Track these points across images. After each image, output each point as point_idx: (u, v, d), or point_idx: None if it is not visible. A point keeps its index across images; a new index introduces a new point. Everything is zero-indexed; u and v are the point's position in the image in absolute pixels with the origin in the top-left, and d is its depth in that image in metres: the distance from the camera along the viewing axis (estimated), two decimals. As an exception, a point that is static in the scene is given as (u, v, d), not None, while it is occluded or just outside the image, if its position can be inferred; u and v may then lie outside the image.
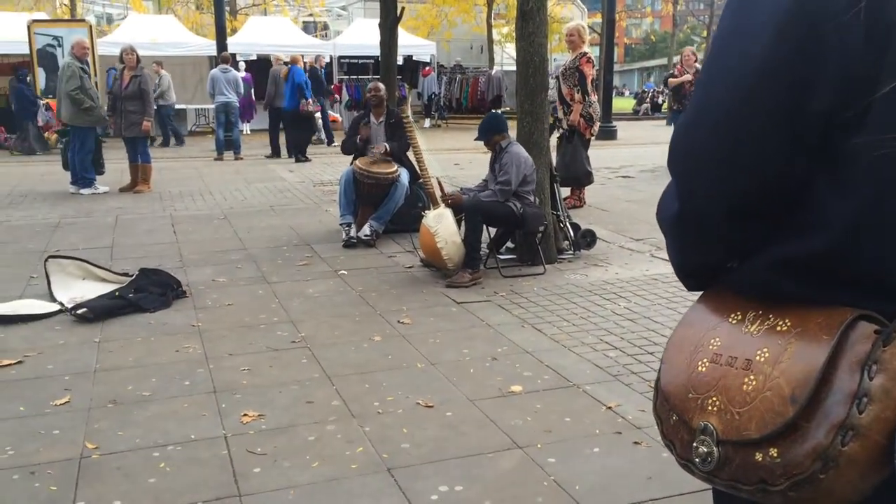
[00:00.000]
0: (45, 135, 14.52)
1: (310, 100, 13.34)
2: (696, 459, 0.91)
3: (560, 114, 8.32)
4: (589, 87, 8.07)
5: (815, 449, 0.80)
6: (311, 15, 28.09)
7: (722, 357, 0.92)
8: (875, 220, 0.83)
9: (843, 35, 0.80)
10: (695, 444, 0.91)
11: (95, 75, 11.62)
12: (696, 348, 0.96)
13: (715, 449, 0.89)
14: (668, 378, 0.99)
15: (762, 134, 0.87)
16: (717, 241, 0.98)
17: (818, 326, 0.85)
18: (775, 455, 0.83)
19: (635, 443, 3.06)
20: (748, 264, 0.94)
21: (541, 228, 5.74)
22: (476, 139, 5.83)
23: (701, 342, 0.96)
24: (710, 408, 0.90)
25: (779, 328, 0.89)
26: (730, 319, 0.95)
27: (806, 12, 0.81)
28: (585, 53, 8.20)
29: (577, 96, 8.04)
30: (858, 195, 0.83)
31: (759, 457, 0.85)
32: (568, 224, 6.34)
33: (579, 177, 8.18)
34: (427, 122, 20.89)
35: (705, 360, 0.94)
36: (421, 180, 6.31)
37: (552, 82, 8.45)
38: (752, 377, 0.87)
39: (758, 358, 0.88)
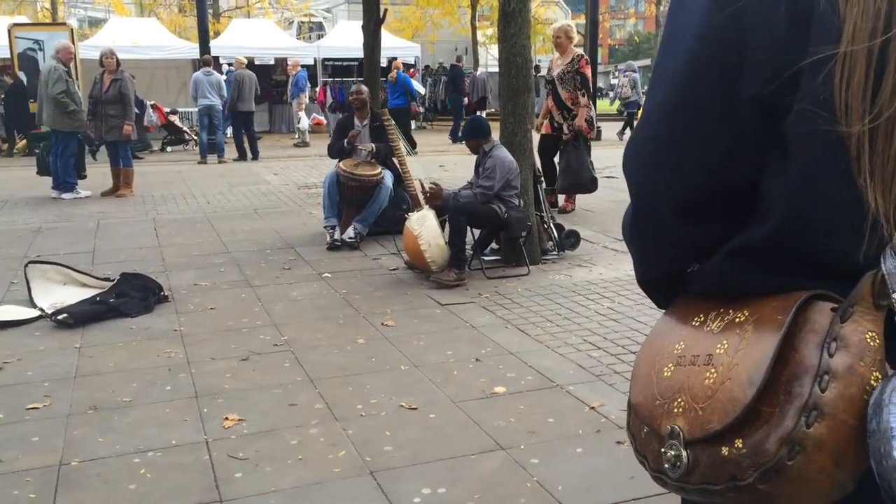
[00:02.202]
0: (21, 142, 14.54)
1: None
2: (666, 465, 0.87)
3: (559, 120, 7.91)
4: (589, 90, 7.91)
5: (778, 433, 0.77)
6: (306, 16, 28.01)
7: (685, 358, 0.90)
8: (811, 201, 0.82)
9: (765, 20, 0.80)
10: (663, 450, 0.88)
11: (77, 79, 11.53)
12: (661, 357, 0.94)
13: (683, 452, 0.85)
14: (636, 391, 0.96)
15: (700, 125, 0.87)
16: (672, 241, 0.97)
17: (774, 310, 0.83)
18: (741, 446, 0.80)
19: (618, 442, 3.06)
20: (707, 262, 0.93)
21: (524, 233, 5.75)
22: (459, 139, 5.87)
23: (665, 350, 0.94)
24: (675, 410, 0.87)
25: (737, 319, 0.87)
26: (692, 323, 0.93)
27: (730, 6, 0.82)
28: (583, 55, 8.03)
29: (583, 100, 7.78)
30: (798, 180, 0.82)
31: (725, 451, 0.81)
32: (552, 225, 6.35)
33: (586, 183, 7.76)
34: (412, 124, 20.87)
35: (670, 365, 0.91)
36: (404, 182, 6.31)
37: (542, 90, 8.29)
38: (712, 370, 0.85)
39: (718, 351, 0.86)
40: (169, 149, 15.98)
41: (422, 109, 15.34)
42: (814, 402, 0.76)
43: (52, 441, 3.11)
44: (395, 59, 15.93)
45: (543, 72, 24.96)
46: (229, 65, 17.13)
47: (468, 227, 5.59)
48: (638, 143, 0.96)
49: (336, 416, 3.34)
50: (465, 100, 19.62)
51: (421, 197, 5.77)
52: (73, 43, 12.75)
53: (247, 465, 2.91)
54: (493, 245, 6.18)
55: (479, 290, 5.27)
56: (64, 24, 17.84)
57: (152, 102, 15.72)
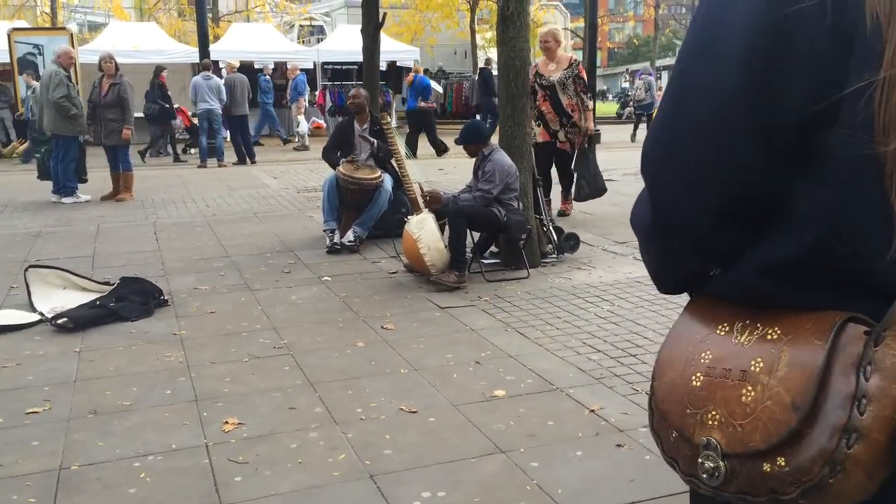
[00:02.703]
0: (13, 145, 14.68)
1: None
2: (703, 475, 0.91)
3: (554, 127, 7.58)
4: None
5: (821, 454, 0.81)
6: (307, 19, 28.03)
7: (715, 370, 0.92)
8: (848, 219, 0.84)
9: (811, 34, 0.81)
10: (700, 460, 0.91)
11: (77, 83, 11.55)
12: (688, 363, 0.96)
13: (721, 463, 0.89)
14: (662, 395, 0.98)
15: (740, 136, 0.88)
16: (695, 250, 0.98)
17: (809, 332, 0.86)
18: (783, 464, 0.84)
19: (618, 445, 3.06)
20: (734, 270, 0.95)
21: (524, 236, 5.75)
22: (457, 142, 5.88)
23: (692, 356, 0.96)
24: (710, 422, 0.90)
25: (769, 336, 0.89)
26: (718, 331, 0.95)
27: (776, 15, 0.83)
28: (579, 60, 7.88)
29: (589, 103, 7.62)
30: (835, 196, 0.84)
31: (766, 467, 0.85)
32: (551, 228, 6.35)
33: (602, 188, 7.58)
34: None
35: (699, 375, 0.93)
36: (403, 186, 6.31)
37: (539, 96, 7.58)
38: (749, 388, 0.88)
39: (752, 368, 0.88)
40: (192, 150, 16.05)
41: (433, 106, 15.56)
42: (853, 425, 0.81)
43: (52, 445, 3.11)
44: (394, 62, 16.11)
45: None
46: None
47: (468, 231, 5.59)
48: (670, 150, 0.94)
49: (336, 419, 3.34)
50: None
51: (420, 200, 5.78)
52: (73, 47, 12.78)
53: (246, 468, 2.92)
54: (493, 248, 6.18)
55: (478, 294, 5.27)
56: (64, 28, 17.87)
57: (177, 106, 15.82)
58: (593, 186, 7.55)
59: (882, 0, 0.79)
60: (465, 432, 3.20)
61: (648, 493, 2.68)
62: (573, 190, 7.82)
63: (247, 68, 16.61)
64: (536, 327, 4.55)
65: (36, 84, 13.64)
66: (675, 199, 0.95)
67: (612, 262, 6.17)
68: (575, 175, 7.74)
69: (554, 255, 6.27)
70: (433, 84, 16.39)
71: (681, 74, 0.93)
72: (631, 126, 19.66)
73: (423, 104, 14.91)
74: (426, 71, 18.89)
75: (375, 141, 6.79)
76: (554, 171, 7.89)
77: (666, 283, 1.06)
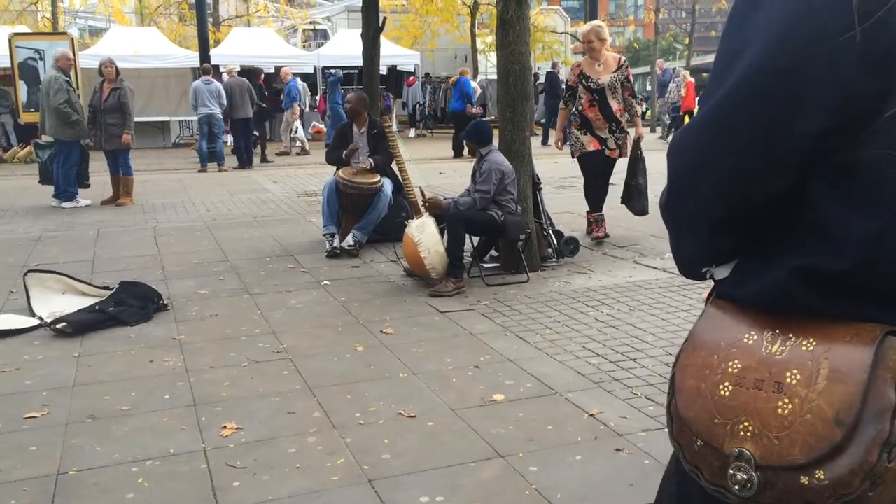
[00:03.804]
0: (13, 150, 14.75)
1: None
2: (735, 486, 0.90)
3: (603, 134, 6.91)
4: None
5: (861, 468, 0.81)
6: (311, 23, 28.03)
7: (746, 380, 0.91)
8: (894, 239, 0.85)
9: (836, 58, 0.82)
10: (731, 471, 0.90)
11: (78, 88, 11.56)
12: (713, 371, 0.95)
13: (754, 474, 0.88)
14: (685, 404, 0.97)
15: (747, 149, 0.89)
16: (705, 243, 1.02)
17: (849, 344, 0.85)
18: (822, 477, 0.83)
19: (617, 450, 3.05)
20: (768, 275, 0.94)
21: (522, 237, 5.75)
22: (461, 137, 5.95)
23: (717, 365, 0.95)
24: (742, 433, 0.89)
25: (804, 347, 0.88)
26: (745, 339, 0.94)
27: (801, 35, 0.84)
28: (627, 61, 7.09)
29: (639, 107, 7.19)
30: (880, 215, 0.84)
31: (804, 480, 0.85)
32: (551, 232, 6.35)
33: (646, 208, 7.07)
34: (412, 132, 20.90)
35: (727, 384, 0.92)
36: (404, 190, 6.31)
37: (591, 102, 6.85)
38: (786, 400, 0.87)
39: (789, 380, 0.87)
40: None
41: (478, 111, 15.87)
42: (894, 440, 0.81)
43: (50, 450, 3.10)
44: (394, 66, 16.12)
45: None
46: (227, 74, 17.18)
47: (467, 235, 5.59)
48: (690, 148, 0.98)
49: (334, 424, 3.33)
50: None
51: (420, 204, 5.78)
52: (74, 52, 12.79)
53: (244, 473, 2.91)
54: (493, 252, 6.17)
55: (478, 298, 5.27)
56: (64, 33, 17.86)
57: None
58: (645, 199, 6.99)
59: None
60: (464, 437, 3.19)
61: (648, 498, 2.66)
62: (631, 202, 7.13)
63: (248, 72, 16.58)
64: (536, 331, 4.54)
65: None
66: (681, 191, 0.99)
67: (611, 267, 6.16)
68: (629, 186, 7.13)
69: (554, 259, 6.27)
70: (473, 84, 16.65)
71: (712, 74, 0.95)
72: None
73: (473, 110, 15.48)
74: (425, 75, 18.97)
75: (372, 162, 6.80)
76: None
77: (681, 267, 1.09)
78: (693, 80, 18.39)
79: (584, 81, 6.88)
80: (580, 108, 6.95)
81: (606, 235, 7.13)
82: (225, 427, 3.29)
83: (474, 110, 15.53)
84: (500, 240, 5.93)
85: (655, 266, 6.06)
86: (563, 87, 7.02)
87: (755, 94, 0.87)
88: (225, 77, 15.13)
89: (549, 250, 6.30)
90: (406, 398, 3.59)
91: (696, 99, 17.76)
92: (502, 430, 3.24)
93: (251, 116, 14.10)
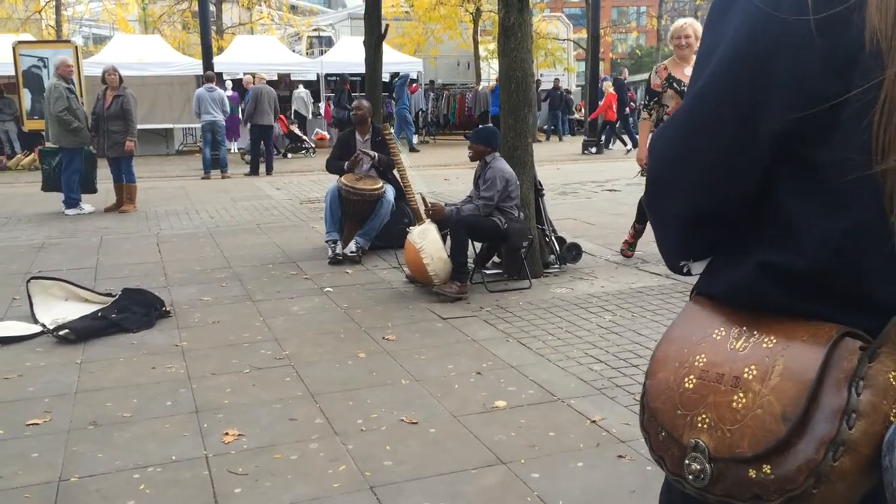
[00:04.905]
0: (17, 157, 14.86)
1: None
2: (689, 476, 0.92)
3: None
4: None
5: (807, 465, 0.82)
6: (315, 30, 28.14)
7: (709, 374, 0.93)
8: (858, 242, 0.85)
9: (799, 58, 0.83)
10: (686, 462, 0.92)
11: (81, 96, 11.59)
12: (681, 364, 0.97)
13: (707, 466, 0.90)
14: (654, 394, 0.99)
15: (715, 151, 0.92)
16: (681, 237, 1.04)
17: (805, 343, 0.86)
18: (768, 471, 0.85)
19: (619, 456, 3.04)
20: (738, 271, 0.96)
21: (525, 243, 5.74)
22: (466, 137, 5.89)
23: (686, 358, 0.97)
24: (699, 425, 0.91)
25: (765, 344, 0.90)
26: (714, 335, 0.96)
27: (766, 34, 0.85)
28: None
29: None
30: (841, 216, 0.85)
31: (752, 473, 0.86)
32: (553, 238, 6.34)
33: None
34: (415, 139, 20.94)
35: (692, 377, 0.94)
36: (406, 196, 6.32)
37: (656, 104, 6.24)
38: (741, 395, 0.88)
39: (746, 375, 0.89)
40: (289, 155, 17.30)
41: None
42: (841, 439, 0.81)
43: (52, 457, 3.10)
44: (396, 73, 16.17)
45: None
46: (231, 81, 17.24)
47: (470, 241, 5.59)
48: (663, 147, 1.01)
49: (336, 430, 3.32)
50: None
51: (423, 210, 5.78)
52: (78, 60, 12.84)
53: (246, 480, 2.90)
54: (495, 258, 6.17)
55: (480, 304, 5.26)
56: (68, 41, 17.94)
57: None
58: None
59: (882, 24, 0.80)
60: (465, 443, 3.19)
61: (650, 505, 2.67)
62: None
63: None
64: (538, 338, 4.54)
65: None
66: (656, 191, 1.03)
67: (614, 273, 6.16)
68: None
69: (556, 266, 6.27)
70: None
71: (692, 102, 0.97)
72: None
73: None
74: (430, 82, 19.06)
75: (376, 154, 6.80)
76: None
77: (665, 261, 1.11)
78: (615, 92, 18.13)
79: (674, 85, 6.08)
80: (667, 112, 6.19)
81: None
82: (227, 434, 3.29)
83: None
84: (503, 246, 5.92)
85: (658, 272, 6.05)
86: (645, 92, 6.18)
87: (723, 94, 0.89)
88: (229, 84, 15.18)
89: (552, 256, 6.30)
90: (408, 405, 3.59)
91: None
92: (504, 437, 3.23)
93: (273, 124, 14.18)
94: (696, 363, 0.95)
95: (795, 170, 0.89)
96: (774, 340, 0.89)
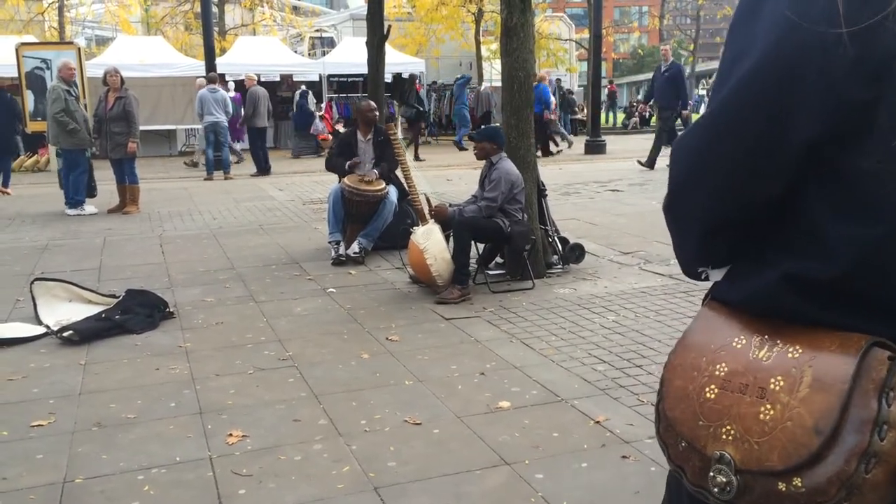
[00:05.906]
0: (21, 159, 14.97)
1: None
2: (715, 489, 0.90)
3: None
4: None
5: (838, 477, 0.81)
6: (317, 31, 28.15)
7: (731, 384, 0.91)
8: (888, 250, 0.84)
9: (829, 66, 0.82)
10: (711, 474, 0.90)
11: (84, 97, 11.60)
12: (701, 373, 0.95)
13: (734, 478, 0.88)
14: (672, 404, 0.98)
15: (742, 154, 0.90)
16: (701, 244, 1.02)
17: (833, 353, 0.85)
18: (799, 484, 0.84)
19: (623, 457, 3.04)
20: (760, 279, 0.95)
21: (528, 246, 5.74)
22: (471, 137, 5.87)
23: (705, 367, 0.95)
24: (724, 436, 0.90)
25: (790, 354, 0.88)
26: (734, 343, 0.94)
27: (795, 43, 0.84)
28: None
29: None
30: (870, 225, 0.84)
31: (781, 486, 0.85)
32: (556, 238, 6.34)
33: None
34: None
35: (713, 387, 0.93)
36: (409, 197, 6.32)
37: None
38: (768, 406, 0.87)
39: (772, 386, 0.87)
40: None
41: (554, 117, 16.93)
42: (873, 451, 0.81)
43: (56, 458, 3.11)
44: (398, 74, 16.26)
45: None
46: (234, 82, 17.24)
47: (473, 241, 5.59)
48: (688, 147, 0.99)
49: (340, 431, 3.33)
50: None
51: (426, 211, 5.78)
52: (81, 62, 12.85)
53: (250, 481, 2.91)
54: (498, 259, 6.17)
55: (483, 305, 5.26)
56: (71, 43, 17.94)
57: (321, 113, 17.49)
58: None
59: None
60: (469, 444, 3.19)
61: (654, 505, 2.66)
62: None
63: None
64: (541, 338, 4.54)
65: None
66: (677, 193, 1.01)
67: (617, 273, 6.15)
68: None
69: (559, 266, 6.26)
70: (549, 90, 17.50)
71: (718, 107, 0.95)
72: (636, 136, 19.64)
73: (551, 116, 16.33)
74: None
75: (376, 172, 6.83)
76: None
77: (682, 267, 1.09)
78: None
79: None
80: None
81: None
82: (231, 435, 3.29)
83: (552, 116, 15.98)
84: (506, 247, 5.92)
85: (661, 272, 6.05)
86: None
87: (750, 101, 0.88)
88: (231, 85, 15.19)
89: (555, 257, 6.30)
90: (412, 405, 3.59)
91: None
92: (508, 438, 3.23)
93: (266, 126, 14.61)
94: (717, 372, 0.93)
95: (825, 176, 0.87)
96: (800, 350, 0.88)
